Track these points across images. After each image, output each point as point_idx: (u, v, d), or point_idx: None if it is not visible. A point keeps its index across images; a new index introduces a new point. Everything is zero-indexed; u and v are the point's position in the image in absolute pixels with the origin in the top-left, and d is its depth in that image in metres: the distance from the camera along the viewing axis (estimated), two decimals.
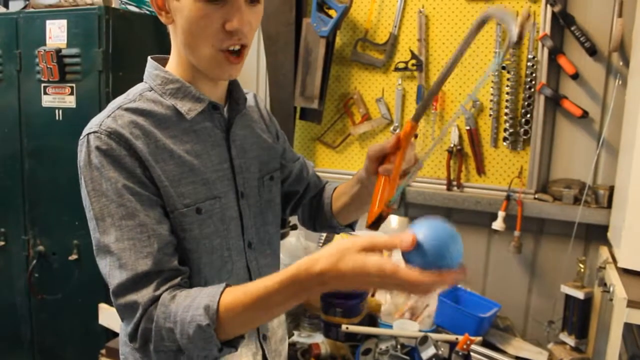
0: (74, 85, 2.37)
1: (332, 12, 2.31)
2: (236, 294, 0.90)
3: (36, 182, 2.55)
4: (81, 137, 1.02)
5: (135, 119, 1.02)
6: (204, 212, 1.06)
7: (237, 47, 1.02)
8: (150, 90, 1.08)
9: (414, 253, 0.79)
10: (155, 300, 0.94)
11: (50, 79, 2.39)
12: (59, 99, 2.42)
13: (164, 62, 1.12)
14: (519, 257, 2.19)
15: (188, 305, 0.91)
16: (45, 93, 2.44)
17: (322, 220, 1.42)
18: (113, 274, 0.96)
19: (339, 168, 2.45)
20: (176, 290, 0.96)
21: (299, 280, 0.84)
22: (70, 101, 2.39)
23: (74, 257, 2.44)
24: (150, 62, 1.12)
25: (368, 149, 1.16)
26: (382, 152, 1.13)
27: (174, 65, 1.10)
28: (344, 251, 0.81)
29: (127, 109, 1.03)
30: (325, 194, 1.41)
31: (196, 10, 0.98)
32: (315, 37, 2.30)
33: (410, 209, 2.36)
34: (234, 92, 1.17)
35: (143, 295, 0.94)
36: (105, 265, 0.97)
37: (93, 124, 1.01)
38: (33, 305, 2.62)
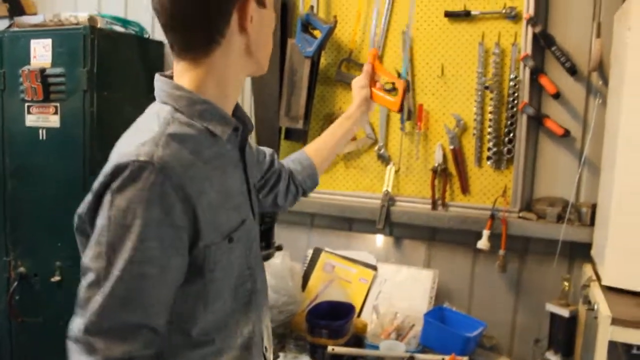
0: (58, 104, 2.36)
1: (316, 33, 2.33)
2: None
3: (18, 202, 2.51)
4: (122, 162, 0.93)
5: (180, 148, 0.97)
6: (235, 240, 1.07)
7: None
8: (177, 112, 1.03)
9: None
10: None
11: (35, 99, 2.38)
12: (43, 118, 2.40)
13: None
14: (504, 276, 2.19)
15: None
16: (29, 112, 2.43)
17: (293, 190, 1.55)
18: (95, 309, 0.90)
19: (324, 188, 2.44)
20: None
21: None
22: (54, 121, 2.38)
23: (56, 278, 2.40)
24: (167, 81, 1.07)
25: (353, 84, 1.74)
26: (367, 76, 1.70)
27: (201, 79, 1.06)
28: None
29: (171, 136, 0.97)
30: (296, 165, 1.57)
31: (272, 17, 1.14)
32: (300, 58, 2.32)
33: (395, 228, 2.36)
34: (237, 111, 1.17)
35: (111, 349, 0.90)
36: (89, 290, 0.91)
37: (141, 152, 0.93)
38: (13, 328, 2.56)
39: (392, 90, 1.76)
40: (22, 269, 2.51)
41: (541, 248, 2.13)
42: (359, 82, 1.72)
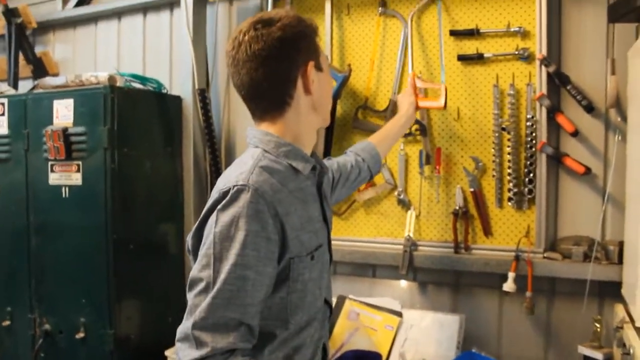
0: (80, 162, 2.41)
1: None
2: None
3: (42, 259, 2.55)
4: (225, 188, 1.18)
5: (269, 177, 1.22)
6: (315, 258, 1.30)
7: None
8: (267, 153, 1.28)
9: None
10: (228, 351, 1.11)
11: (57, 157, 2.44)
12: (65, 176, 2.45)
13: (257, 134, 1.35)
14: (532, 318, 2.14)
15: None
16: (52, 171, 2.48)
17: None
18: (202, 307, 1.11)
19: (345, 235, 2.44)
20: None
21: None
22: (76, 178, 2.42)
23: (80, 335, 2.41)
24: (259, 130, 1.33)
25: (399, 97, 2.13)
26: (412, 87, 2.10)
27: (281, 132, 1.32)
28: None
29: (262, 167, 1.22)
30: (365, 154, 1.87)
31: (329, 78, 1.44)
32: None
33: (419, 273, 2.33)
34: (314, 157, 1.40)
35: (217, 341, 1.10)
36: (197, 297, 1.12)
37: (240, 179, 1.18)
38: None
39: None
40: (47, 326, 2.52)
41: (569, 288, 2.09)
42: (405, 93, 2.11)
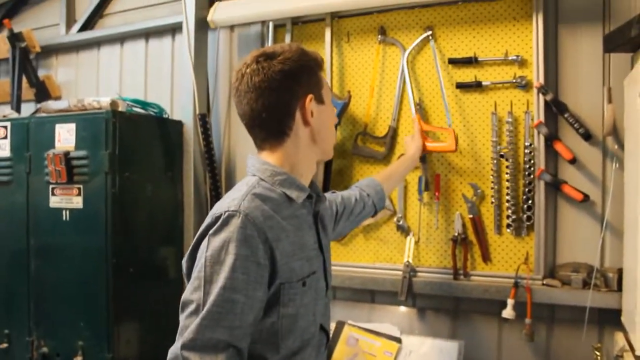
0: (81, 186, 2.42)
1: None
2: None
3: (42, 282, 2.54)
4: (217, 213, 1.22)
5: (261, 203, 1.25)
6: (307, 285, 1.32)
7: None
8: (262, 181, 1.32)
9: None
10: None
11: (59, 181, 2.45)
12: (66, 199, 2.46)
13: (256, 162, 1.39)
14: (532, 345, 2.14)
15: None
16: (53, 194, 2.49)
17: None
18: (191, 329, 1.14)
19: (344, 260, 2.44)
20: None
21: None
22: (77, 202, 2.43)
23: (78, 358, 2.39)
24: (257, 158, 1.38)
25: (406, 140, 2.23)
26: (419, 131, 2.18)
27: (279, 161, 1.36)
28: None
29: (255, 194, 1.26)
30: (370, 190, 1.91)
31: (331, 111, 1.46)
32: None
33: (418, 299, 2.33)
34: (312, 186, 1.44)
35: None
36: (188, 319, 1.16)
37: (232, 205, 1.22)
38: None
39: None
40: (44, 349, 2.51)
41: (568, 315, 2.09)
42: (413, 136, 2.19)
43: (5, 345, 2.62)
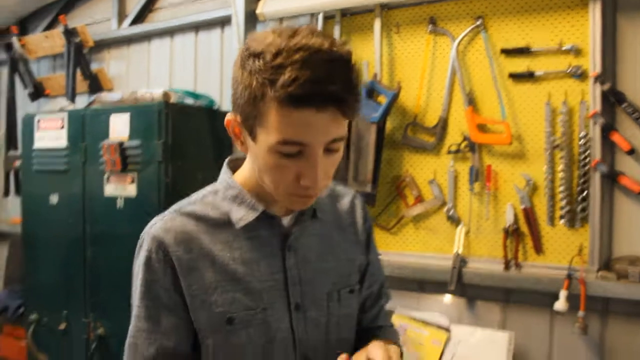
0: (135, 175, 2.48)
1: (381, 99, 2.39)
2: None
3: (97, 267, 2.63)
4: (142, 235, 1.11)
5: (185, 224, 1.07)
6: (237, 322, 1.06)
7: (310, 194, 1.01)
8: (215, 194, 1.12)
9: None
10: None
11: (113, 170, 2.52)
12: (120, 188, 2.53)
13: (240, 164, 1.15)
14: (585, 339, 2.10)
15: None
16: (107, 182, 2.56)
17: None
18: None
19: (394, 250, 2.45)
20: None
21: None
22: (131, 190, 2.49)
23: None
24: (224, 166, 1.15)
25: None
26: None
27: (245, 171, 1.11)
28: None
29: (182, 213, 1.09)
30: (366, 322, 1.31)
31: (271, 161, 0.97)
32: (365, 124, 2.37)
33: (468, 289, 2.32)
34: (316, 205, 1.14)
35: None
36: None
37: (150, 223, 1.10)
38: None
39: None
40: (100, 331, 2.60)
41: (624, 309, 2.04)
42: None
43: (64, 326, 2.72)
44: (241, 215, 1.08)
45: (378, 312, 1.31)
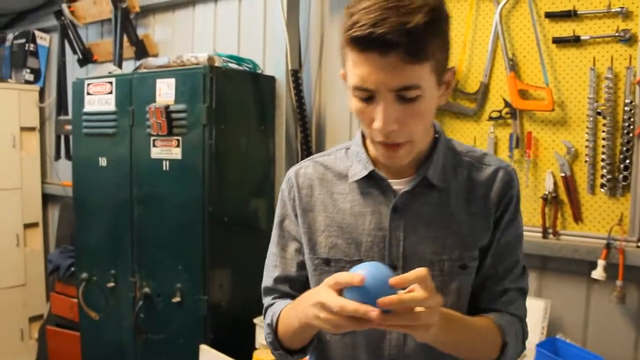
0: (180, 138, 2.55)
1: None
2: (286, 308, 1.19)
3: (144, 229, 2.73)
4: None
5: (314, 171, 1.24)
6: (332, 265, 1.17)
7: (389, 142, 1.03)
8: (347, 149, 1.24)
9: (357, 290, 0.92)
10: (268, 307, 1.27)
11: (159, 133, 2.59)
12: (166, 151, 2.61)
13: None
14: (622, 308, 2.10)
15: (273, 312, 1.22)
16: (154, 145, 2.64)
17: None
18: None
19: None
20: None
21: (297, 301, 1.12)
22: (176, 153, 2.57)
23: (176, 299, 2.57)
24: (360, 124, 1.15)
25: None
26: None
27: None
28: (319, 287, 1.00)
29: (315, 161, 1.26)
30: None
31: (354, 105, 1.03)
32: None
33: None
34: (423, 168, 1.13)
35: (265, 301, 1.29)
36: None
37: (293, 166, 1.29)
38: (138, 343, 2.77)
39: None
40: (146, 290, 2.71)
41: None
42: None
43: (112, 284, 2.85)
44: (355, 171, 1.18)
45: (499, 295, 1.20)
